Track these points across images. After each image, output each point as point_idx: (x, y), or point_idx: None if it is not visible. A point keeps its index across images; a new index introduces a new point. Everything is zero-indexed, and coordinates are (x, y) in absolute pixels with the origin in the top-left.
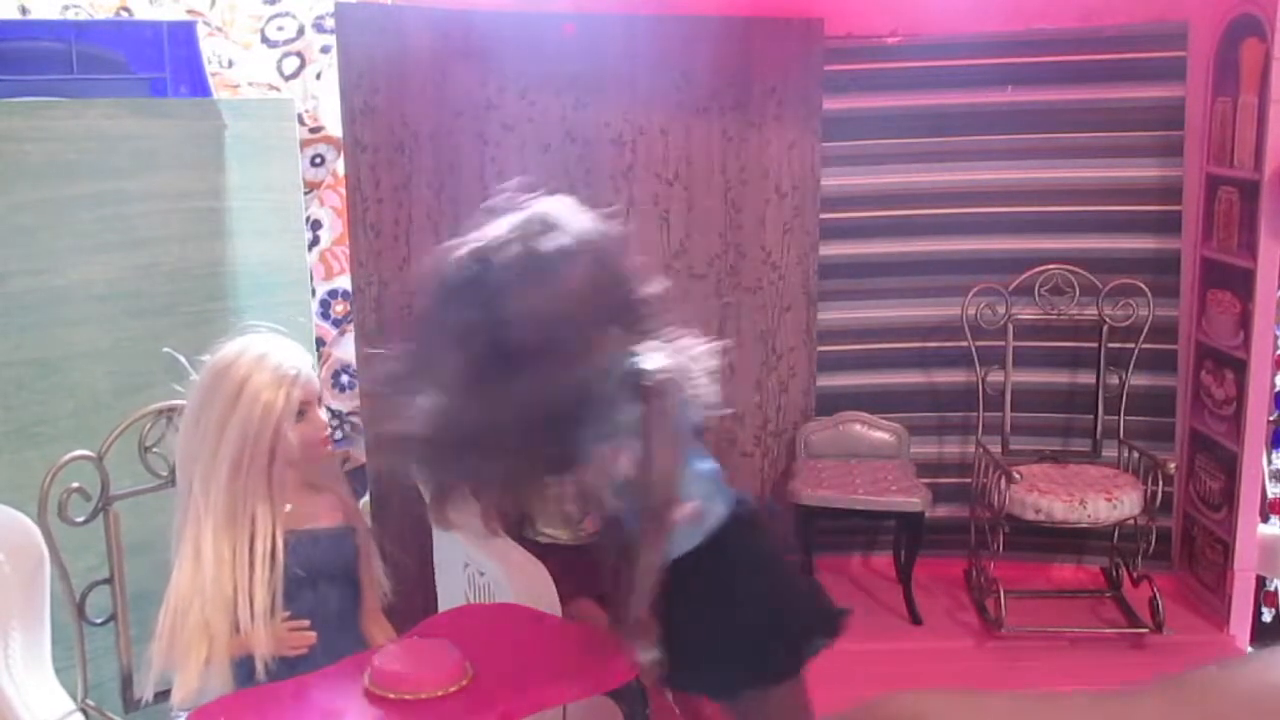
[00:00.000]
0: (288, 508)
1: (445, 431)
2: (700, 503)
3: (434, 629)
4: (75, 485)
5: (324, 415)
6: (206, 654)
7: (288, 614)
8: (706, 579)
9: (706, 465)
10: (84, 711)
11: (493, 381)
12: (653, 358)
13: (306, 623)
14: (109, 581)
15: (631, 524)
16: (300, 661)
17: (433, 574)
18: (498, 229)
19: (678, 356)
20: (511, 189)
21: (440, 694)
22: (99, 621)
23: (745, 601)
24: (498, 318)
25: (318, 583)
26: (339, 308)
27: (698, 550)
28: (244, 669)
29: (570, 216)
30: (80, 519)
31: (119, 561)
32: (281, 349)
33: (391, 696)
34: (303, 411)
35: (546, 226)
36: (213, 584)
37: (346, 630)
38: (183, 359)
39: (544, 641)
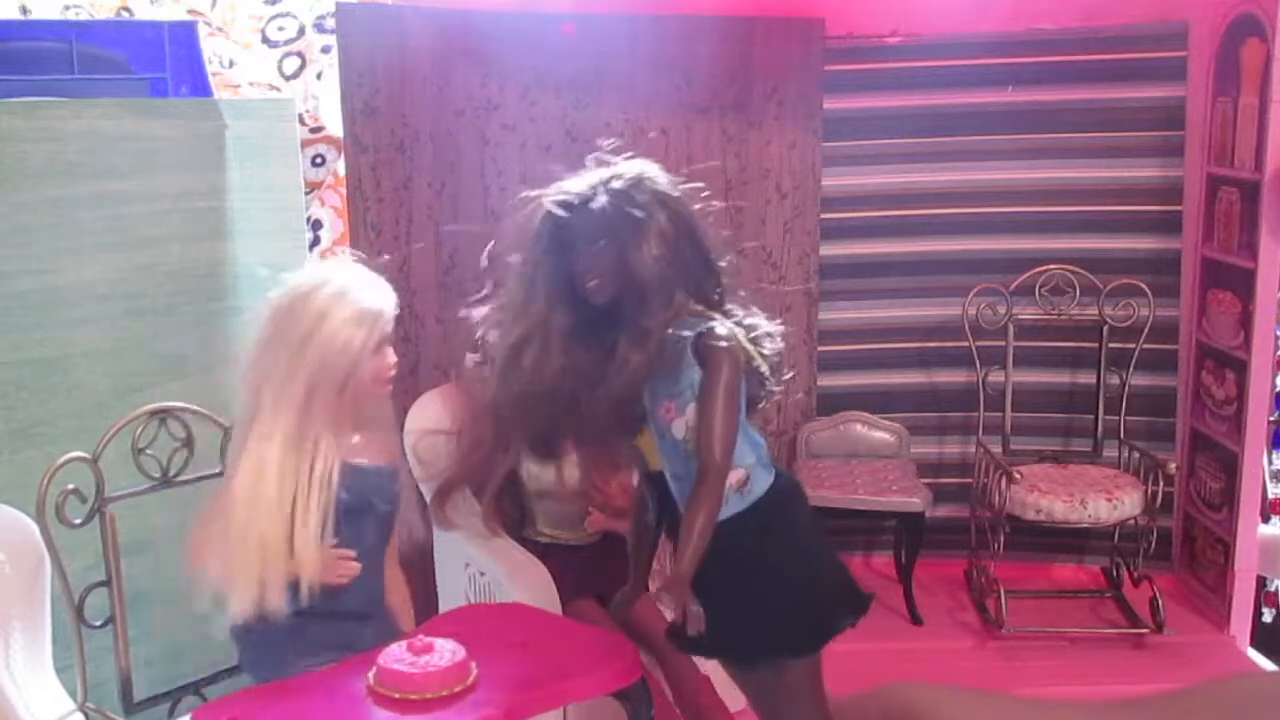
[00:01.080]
0: (355, 439)
1: (532, 382)
2: (747, 472)
3: (439, 628)
4: (71, 487)
5: (392, 354)
6: (263, 571)
7: (335, 542)
8: (744, 547)
9: (755, 438)
10: (85, 714)
11: (571, 329)
12: (720, 325)
13: (352, 553)
14: (107, 584)
15: (681, 485)
16: (337, 592)
17: (434, 574)
18: (586, 180)
19: (742, 329)
20: (605, 148)
21: (444, 694)
22: (98, 624)
23: (779, 573)
24: (579, 266)
25: (361, 516)
26: None
27: (738, 518)
28: (290, 591)
29: (656, 178)
30: (77, 521)
31: (116, 563)
32: (363, 284)
33: (396, 696)
34: (377, 348)
35: (632, 183)
36: (273, 501)
37: (374, 568)
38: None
39: (549, 641)
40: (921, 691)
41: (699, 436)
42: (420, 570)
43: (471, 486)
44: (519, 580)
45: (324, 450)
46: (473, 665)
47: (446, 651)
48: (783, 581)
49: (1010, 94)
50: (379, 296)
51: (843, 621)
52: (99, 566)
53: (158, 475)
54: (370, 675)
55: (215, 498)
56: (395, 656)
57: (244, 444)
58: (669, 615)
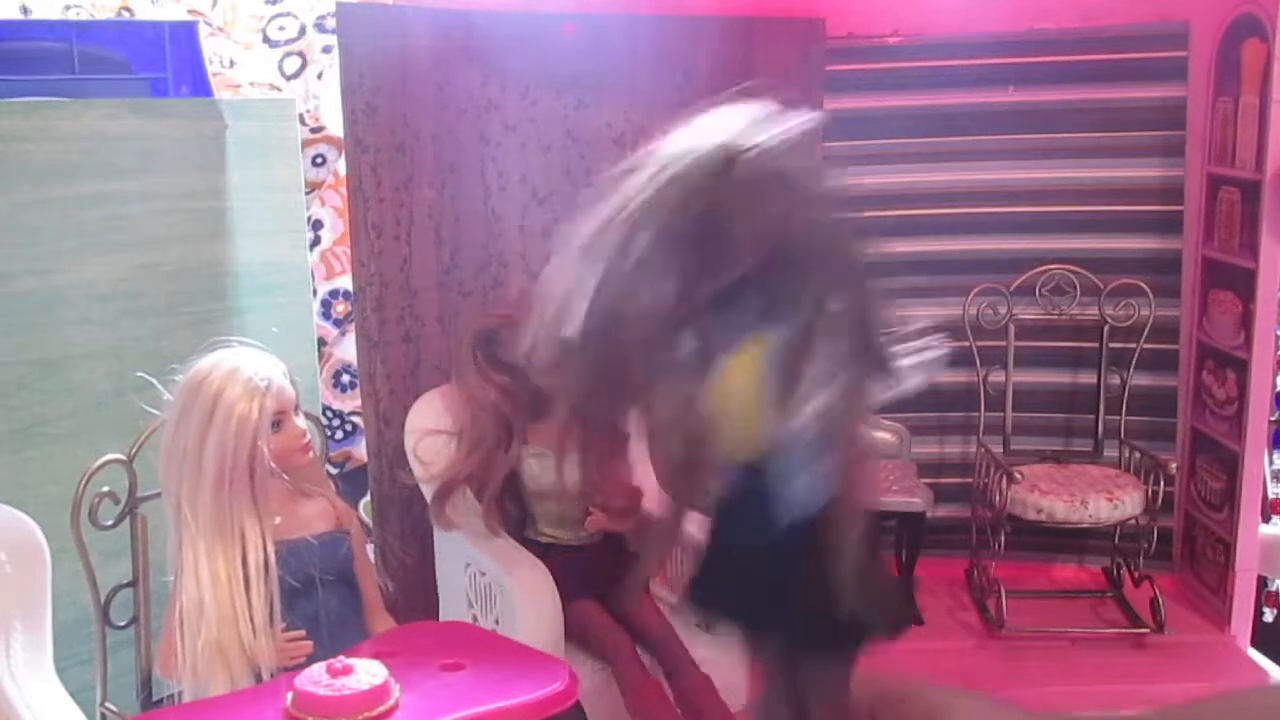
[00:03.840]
0: (277, 519)
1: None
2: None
3: (371, 648)
4: (106, 489)
5: (301, 422)
6: (229, 674)
7: (285, 624)
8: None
9: None
10: (104, 715)
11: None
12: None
13: (302, 633)
14: (133, 585)
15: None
16: (304, 668)
17: (434, 574)
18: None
19: None
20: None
21: (361, 718)
22: (121, 625)
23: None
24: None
25: (315, 590)
26: (340, 308)
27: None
28: (256, 679)
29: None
30: (109, 522)
31: (144, 564)
32: (253, 361)
33: (310, 719)
34: (278, 422)
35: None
36: (213, 603)
37: (350, 633)
38: (156, 381)
39: (484, 663)
40: (941, 697)
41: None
42: (421, 570)
43: (471, 486)
44: (519, 580)
45: (252, 540)
46: (394, 688)
47: (366, 674)
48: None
49: (1010, 94)
50: (268, 370)
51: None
52: (103, 567)
53: None
54: (288, 697)
55: (167, 611)
56: (313, 678)
57: (177, 553)
58: None
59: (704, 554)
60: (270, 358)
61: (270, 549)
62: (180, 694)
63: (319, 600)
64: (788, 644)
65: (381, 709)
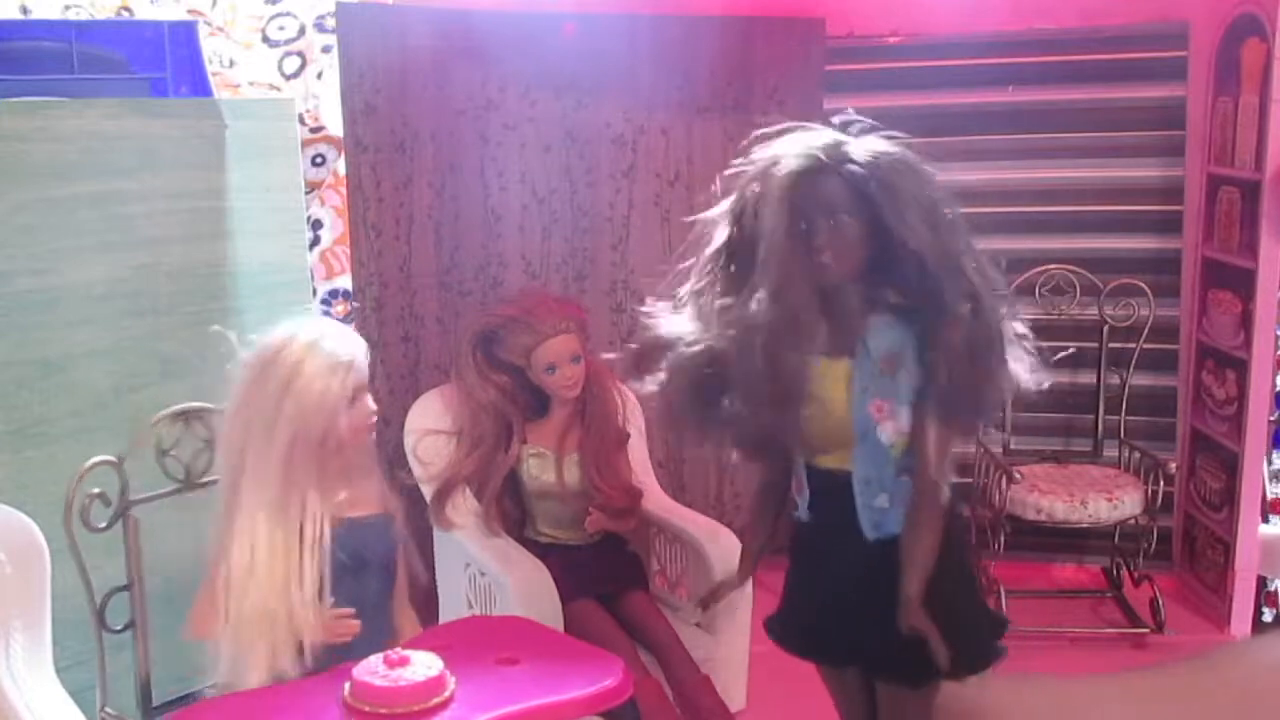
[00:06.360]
0: (342, 495)
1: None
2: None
3: (429, 640)
4: (97, 491)
5: (370, 402)
6: (272, 640)
7: (333, 601)
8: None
9: None
10: (104, 719)
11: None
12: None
13: (352, 611)
14: (128, 588)
15: (871, 490)
16: (343, 650)
17: (434, 574)
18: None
19: None
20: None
21: (416, 709)
22: (118, 629)
23: (959, 588)
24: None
25: (360, 571)
26: (340, 308)
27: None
28: (297, 654)
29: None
30: (101, 524)
31: (138, 568)
32: (333, 335)
33: (367, 709)
34: (353, 398)
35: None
36: (266, 570)
37: (381, 619)
38: (232, 336)
39: (540, 657)
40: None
41: (919, 446)
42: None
43: (471, 486)
44: (519, 580)
45: (312, 512)
46: (449, 680)
47: (422, 665)
48: (963, 596)
49: (1010, 94)
50: (349, 346)
51: (999, 649)
52: (100, 569)
53: (181, 478)
54: (345, 687)
55: (212, 571)
56: (370, 669)
57: (232, 514)
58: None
59: (785, 587)
60: (348, 332)
61: (326, 523)
62: (191, 696)
63: (362, 582)
64: (867, 677)
65: (436, 700)
